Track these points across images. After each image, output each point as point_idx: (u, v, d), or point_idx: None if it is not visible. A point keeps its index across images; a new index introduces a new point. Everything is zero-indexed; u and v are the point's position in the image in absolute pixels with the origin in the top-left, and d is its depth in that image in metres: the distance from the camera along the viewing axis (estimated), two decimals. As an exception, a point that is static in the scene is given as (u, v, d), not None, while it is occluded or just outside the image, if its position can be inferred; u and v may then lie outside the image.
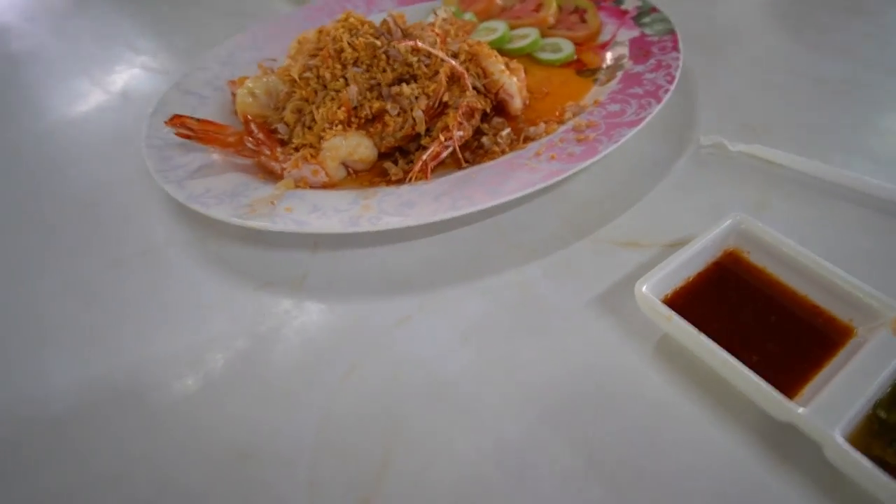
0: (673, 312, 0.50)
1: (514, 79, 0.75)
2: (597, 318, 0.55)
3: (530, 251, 0.65)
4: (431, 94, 0.70)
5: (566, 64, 0.91)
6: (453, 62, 0.70)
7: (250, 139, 0.69)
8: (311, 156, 0.67)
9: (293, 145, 0.70)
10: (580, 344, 0.53)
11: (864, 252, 0.60)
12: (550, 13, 0.97)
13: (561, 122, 0.77)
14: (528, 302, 0.58)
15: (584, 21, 0.97)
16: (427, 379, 0.52)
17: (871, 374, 0.45)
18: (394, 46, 0.72)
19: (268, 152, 0.69)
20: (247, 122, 0.69)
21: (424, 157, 0.67)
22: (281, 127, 0.71)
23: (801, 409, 0.43)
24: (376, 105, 0.69)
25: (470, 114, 0.71)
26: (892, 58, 0.90)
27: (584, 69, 0.90)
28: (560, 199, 0.72)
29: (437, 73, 0.71)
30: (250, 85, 0.72)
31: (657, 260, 0.57)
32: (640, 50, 0.88)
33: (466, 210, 0.61)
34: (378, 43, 0.72)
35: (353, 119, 0.68)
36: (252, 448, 0.49)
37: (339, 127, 0.67)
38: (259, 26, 0.95)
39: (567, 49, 0.91)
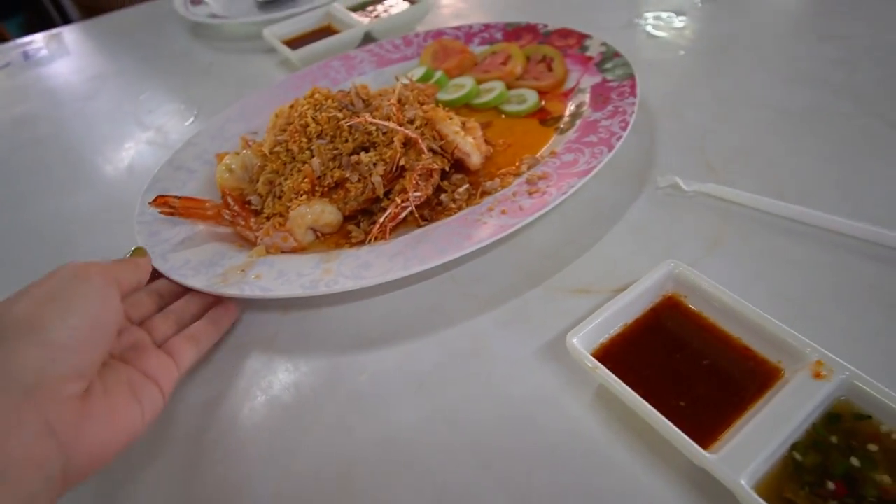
0: (597, 363, 0.53)
1: (469, 138, 0.80)
2: (541, 367, 0.58)
3: (483, 301, 0.69)
4: (388, 159, 0.75)
5: (531, 114, 0.95)
6: (405, 130, 0.75)
7: (227, 211, 0.76)
8: (280, 224, 0.73)
9: (265, 215, 0.76)
10: (523, 392, 0.56)
11: (816, 289, 0.61)
12: (517, 66, 1.02)
13: (517, 174, 0.81)
14: (478, 351, 0.61)
15: (551, 70, 1.02)
16: (379, 428, 0.56)
17: (788, 416, 0.47)
18: (354, 118, 0.78)
19: (242, 222, 0.76)
20: (224, 196, 0.77)
21: (382, 219, 0.73)
22: (254, 198, 0.78)
23: (710, 456, 0.45)
24: (337, 174, 0.75)
25: (428, 174, 0.76)
26: (861, 84, 0.91)
27: (547, 118, 0.94)
28: (516, 248, 0.76)
29: (392, 140, 0.77)
30: (228, 161, 0.80)
31: (606, 306, 0.57)
32: (600, 96, 0.91)
33: (416, 269, 0.66)
34: (340, 116, 0.79)
35: (317, 188, 0.74)
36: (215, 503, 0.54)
37: (305, 196, 0.74)
38: (249, 97, 1.03)
39: (531, 99, 0.96)
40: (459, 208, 0.77)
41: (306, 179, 0.74)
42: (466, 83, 1.00)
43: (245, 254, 0.73)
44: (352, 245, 0.74)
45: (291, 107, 0.83)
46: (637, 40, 1.16)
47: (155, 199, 0.74)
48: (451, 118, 0.80)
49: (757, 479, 0.44)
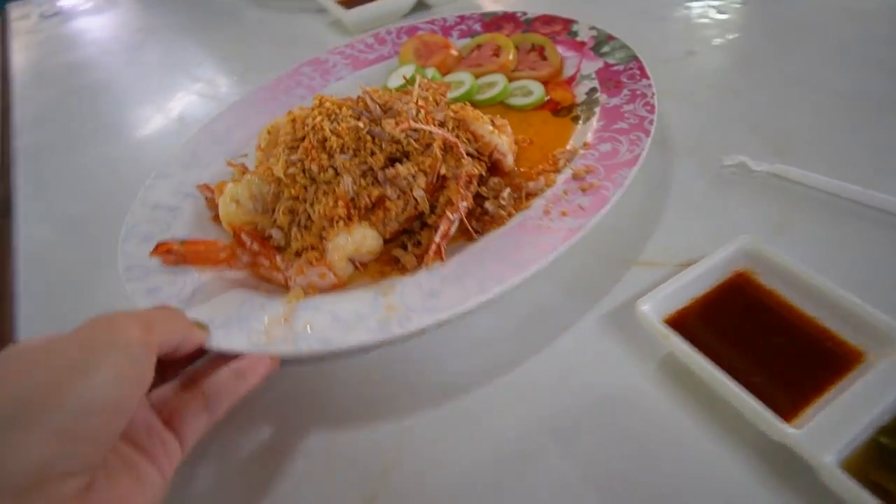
0: (671, 332, 0.50)
1: (504, 137, 0.73)
2: (604, 335, 0.57)
3: (545, 271, 0.63)
4: (428, 169, 0.66)
5: (540, 106, 0.89)
6: (445, 133, 0.67)
7: (244, 251, 0.63)
8: (316, 259, 0.62)
9: (293, 250, 0.65)
10: (585, 359, 0.55)
11: (887, 275, 0.60)
12: (511, 56, 0.96)
13: (556, 171, 0.75)
14: (538, 317, 0.61)
15: (544, 58, 0.97)
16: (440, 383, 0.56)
17: (875, 399, 0.44)
18: (379, 126, 0.68)
19: (266, 263, 0.63)
20: (237, 234, 0.64)
21: (437, 238, 0.64)
22: (275, 232, 0.66)
23: (793, 431, 0.43)
24: (375, 192, 0.64)
25: (469, 181, 0.68)
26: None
27: (558, 108, 0.89)
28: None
29: (429, 146, 0.68)
30: (232, 191, 0.67)
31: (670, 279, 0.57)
32: (610, 81, 0.87)
33: (496, 291, 0.58)
34: (361, 125, 0.68)
35: (352, 211, 0.64)
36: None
37: (341, 223, 0.63)
38: (216, 118, 0.89)
39: (537, 91, 0.90)
40: (510, 215, 0.69)
41: (339, 203, 0.63)
42: (465, 79, 0.92)
43: (278, 300, 0.61)
44: (402, 272, 0.64)
45: (293, 120, 0.72)
46: (694, 21, 1.12)
47: (155, 248, 0.60)
48: (482, 117, 0.72)
49: (841, 458, 0.42)
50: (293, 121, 0.72)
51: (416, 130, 0.68)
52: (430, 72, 0.94)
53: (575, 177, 0.72)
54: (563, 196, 0.69)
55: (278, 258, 0.64)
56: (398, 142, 0.69)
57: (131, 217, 0.73)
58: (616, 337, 0.57)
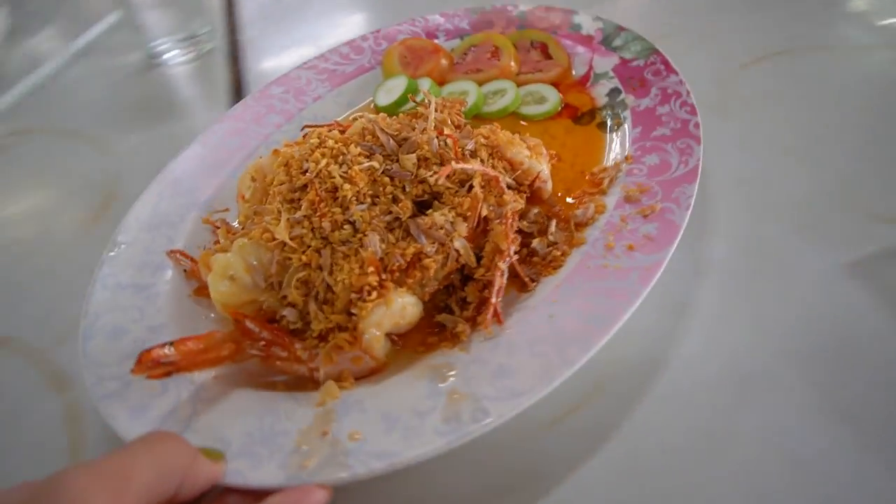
0: None
1: (543, 161, 0.61)
2: (847, 280, 0.57)
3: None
4: (468, 213, 0.54)
5: (556, 114, 0.78)
6: (483, 168, 0.55)
7: (252, 343, 0.50)
8: (348, 341, 0.49)
9: (314, 332, 0.51)
10: (827, 298, 0.56)
11: None
12: (511, 58, 0.84)
13: (602, 192, 0.64)
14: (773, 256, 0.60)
15: (548, 57, 0.85)
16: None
17: None
18: (397, 163, 0.56)
19: (283, 353, 0.50)
20: (240, 322, 0.50)
21: (493, 298, 0.52)
22: (288, 312, 0.52)
23: None
24: (409, 249, 0.52)
25: (513, 220, 0.57)
26: None
27: (579, 115, 0.78)
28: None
29: (463, 183, 0.55)
30: (224, 264, 0.52)
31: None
32: (633, 79, 0.77)
33: (582, 359, 0.47)
34: (376, 164, 0.55)
35: (383, 276, 0.51)
36: None
37: (374, 293, 0.50)
38: (175, 162, 0.73)
39: (552, 97, 0.79)
40: (564, 254, 0.58)
41: (368, 268, 0.50)
42: (468, 88, 0.80)
43: (305, 404, 0.48)
44: (455, 342, 0.52)
45: (286, 164, 0.58)
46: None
47: (138, 362, 0.46)
48: (517, 140, 0.61)
49: None
50: (286, 165, 0.58)
51: (440, 163, 0.56)
52: (426, 83, 0.81)
53: (628, 199, 0.62)
54: (622, 225, 0.59)
55: (297, 346, 0.50)
56: (423, 181, 0.56)
57: (91, 305, 0.57)
58: (855, 285, 0.57)
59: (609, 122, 0.75)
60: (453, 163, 0.53)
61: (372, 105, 0.84)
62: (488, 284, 0.54)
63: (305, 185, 0.55)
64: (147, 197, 0.68)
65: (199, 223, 0.67)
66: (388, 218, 0.54)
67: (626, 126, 0.72)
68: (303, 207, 0.54)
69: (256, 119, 0.79)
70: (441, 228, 0.53)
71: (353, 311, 0.51)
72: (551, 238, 0.60)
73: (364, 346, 0.50)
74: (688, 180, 0.61)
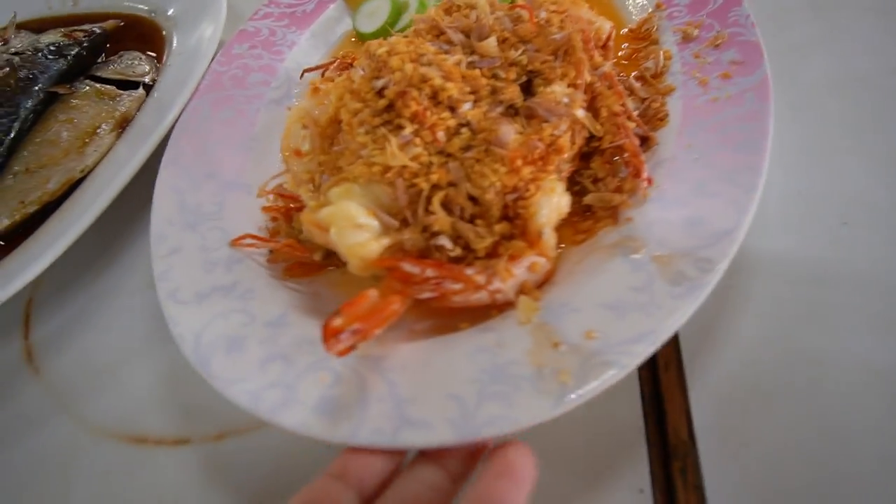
0: None
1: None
2: None
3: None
4: (577, 80, 0.49)
5: None
6: (573, 30, 0.50)
7: (419, 287, 0.42)
8: (521, 248, 0.43)
9: (480, 253, 0.44)
10: None
11: None
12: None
13: (654, 41, 0.62)
14: None
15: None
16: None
17: None
18: (477, 53, 0.49)
19: (457, 285, 0.43)
20: (396, 268, 0.42)
21: (640, 157, 0.48)
22: (443, 240, 0.44)
23: None
24: (546, 132, 0.46)
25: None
26: None
27: None
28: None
29: (557, 52, 0.50)
30: (345, 213, 0.43)
31: None
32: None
33: (760, 184, 0.45)
34: (461, 58, 0.48)
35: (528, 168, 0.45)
36: None
37: (531, 187, 0.44)
38: (172, 147, 0.60)
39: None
40: (662, 105, 0.55)
41: (518, 162, 0.44)
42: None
43: (506, 330, 0.42)
44: (613, 218, 0.48)
45: (353, 91, 0.49)
46: None
47: (326, 334, 0.37)
48: (577, 1, 0.56)
49: None
50: (352, 92, 0.49)
51: (532, 38, 0.50)
52: (413, -3, 0.73)
53: (686, 38, 0.60)
54: (700, 61, 0.57)
55: (469, 271, 0.43)
56: (514, 63, 0.50)
57: (182, 326, 0.45)
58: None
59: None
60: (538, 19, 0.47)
61: (353, 38, 0.75)
62: (618, 151, 0.50)
63: (390, 105, 0.47)
64: (161, 196, 0.55)
65: (243, 204, 0.55)
66: (500, 109, 0.48)
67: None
68: (407, 125, 0.45)
69: (237, 83, 0.67)
70: (559, 103, 0.48)
71: (512, 214, 0.45)
72: (642, 94, 0.56)
73: (543, 246, 0.44)
74: (734, 3, 0.60)
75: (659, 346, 0.38)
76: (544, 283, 0.46)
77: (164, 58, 0.82)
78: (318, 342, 0.41)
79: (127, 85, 0.79)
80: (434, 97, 0.46)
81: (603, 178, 0.51)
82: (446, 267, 0.43)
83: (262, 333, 0.45)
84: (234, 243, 0.51)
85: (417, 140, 0.46)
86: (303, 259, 0.50)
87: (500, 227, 0.44)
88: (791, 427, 0.44)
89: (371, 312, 0.41)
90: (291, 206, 0.54)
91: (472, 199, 0.45)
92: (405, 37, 0.51)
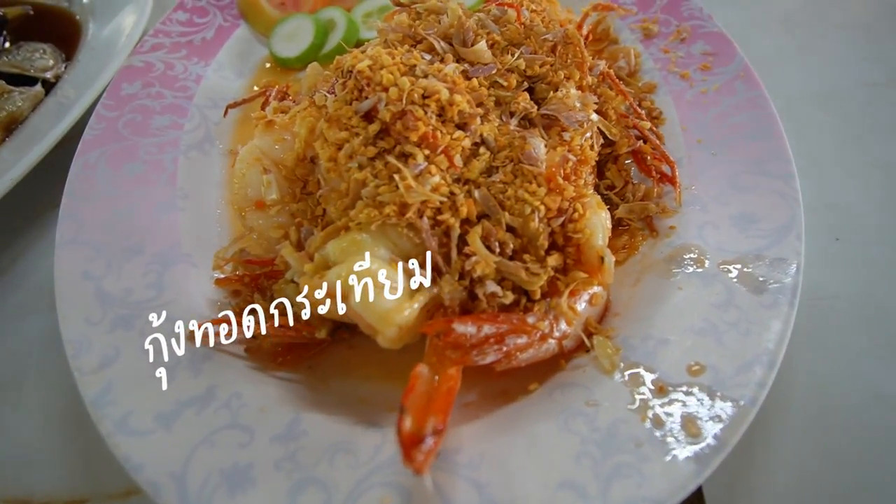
0: None
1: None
2: None
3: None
4: (581, 82, 0.44)
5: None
6: (563, 25, 0.45)
7: (478, 350, 0.33)
8: (589, 277, 0.36)
9: (536, 295, 0.36)
10: None
11: None
12: None
13: (613, 40, 0.59)
14: None
15: None
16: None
17: None
18: (467, 61, 0.42)
19: (522, 339, 0.34)
20: (449, 331, 0.33)
21: (670, 162, 0.43)
22: (492, 286, 0.36)
23: None
24: (575, 141, 0.40)
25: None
26: None
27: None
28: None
29: (555, 48, 0.44)
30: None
31: None
32: None
33: (792, 169, 0.43)
34: (454, 67, 0.41)
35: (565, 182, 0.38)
36: None
37: (578, 206, 0.37)
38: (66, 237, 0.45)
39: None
40: (651, 102, 0.52)
41: (558, 178, 0.37)
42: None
43: (592, 382, 0.34)
44: (655, 231, 0.43)
45: (333, 120, 0.39)
46: None
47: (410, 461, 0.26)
48: (549, -1, 0.51)
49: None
50: (330, 120, 0.38)
51: (522, 39, 0.44)
52: (336, 14, 0.63)
53: (647, 35, 0.58)
54: (672, 56, 0.55)
55: (531, 319, 0.35)
56: (512, 69, 0.43)
57: (151, 469, 0.32)
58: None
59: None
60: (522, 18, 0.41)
61: (268, 64, 0.64)
62: (636, 155, 0.45)
63: (384, 129, 0.37)
64: (69, 289, 0.40)
65: (188, 280, 0.42)
66: (514, 121, 0.41)
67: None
68: (416, 151, 0.36)
69: (138, 129, 0.52)
70: (576, 108, 0.42)
71: (562, 242, 0.37)
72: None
73: (605, 273, 0.37)
74: (681, -9, 0.59)
75: (776, 369, 0.33)
76: (604, 315, 0.39)
77: (76, 52, 0.66)
78: (352, 449, 0.30)
79: (24, 80, 0.62)
80: (441, 114, 0.38)
81: (622, 188, 0.46)
82: (505, 319, 0.35)
83: (274, 453, 0.33)
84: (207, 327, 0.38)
85: (433, 168, 0.37)
86: (299, 340, 0.38)
87: (552, 260, 0.37)
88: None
89: (435, 398, 0.31)
90: (257, 272, 0.42)
91: (510, 230, 0.37)
92: (384, 47, 0.41)
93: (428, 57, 0.42)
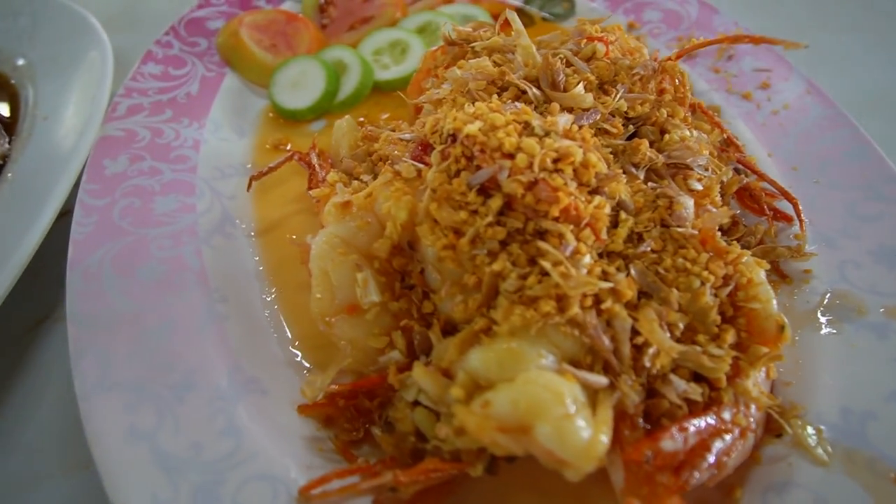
0: None
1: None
2: None
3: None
4: (686, 120, 0.39)
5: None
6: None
7: (684, 463, 0.27)
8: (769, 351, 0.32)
9: (718, 382, 0.31)
10: None
11: None
12: (389, -10, 0.63)
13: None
14: None
15: None
16: None
17: None
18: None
19: (726, 441, 0.29)
20: (654, 449, 0.27)
21: (784, 192, 0.39)
22: (682, 385, 0.30)
23: None
24: (715, 189, 0.35)
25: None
26: None
27: None
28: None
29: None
30: (551, 385, 0.26)
31: None
32: None
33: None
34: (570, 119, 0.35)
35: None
36: None
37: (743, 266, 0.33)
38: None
39: (479, 12, 0.63)
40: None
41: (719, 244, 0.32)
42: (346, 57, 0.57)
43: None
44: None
45: (442, 199, 0.32)
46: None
47: None
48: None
49: None
50: (441, 199, 0.31)
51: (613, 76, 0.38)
52: (346, 55, 0.55)
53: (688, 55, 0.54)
54: (721, 75, 0.52)
55: (726, 414, 0.29)
56: (614, 113, 0.38)
57: None
58: None
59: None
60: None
61: (271, 114, 0.54)
62: (742, 192, 0.41)
63: (509, 203, 0.31)
64: (115, 454, 0.30)
65: (263, 416, 0.33)
66: (641, 174, 0.35)
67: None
68: (563, 230, 0.30)
69: (140, 218, 0.42)
70: (697, 153, 0.37)
71: (730, 313, 0.32)
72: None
73: (784, 342, 0.32)
74: (712, 11, 0.57)
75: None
76: (772, 385, 0.34)
77: (17, 124, 0.53)
78: None
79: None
80: (574, 178, 0.32)
81: (730, 231, 0.41)
82: (704, 422, 0.29)
83: None
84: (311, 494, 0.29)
85: (582, 247, 0.30)
86: (445, 479, 0.30)
87: (729, 337, 0.31)
88: None
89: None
90: (349, 392, 0.34)
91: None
92: (483, 103, 0.34)
93: (519, 105, 0.35)
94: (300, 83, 0.54)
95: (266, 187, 0.48)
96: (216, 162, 0.49)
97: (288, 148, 0.52)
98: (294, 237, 0.43)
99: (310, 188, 0.41)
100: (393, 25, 0.60)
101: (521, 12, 0.65)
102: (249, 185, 0.45)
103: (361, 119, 0.54)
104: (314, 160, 0.43)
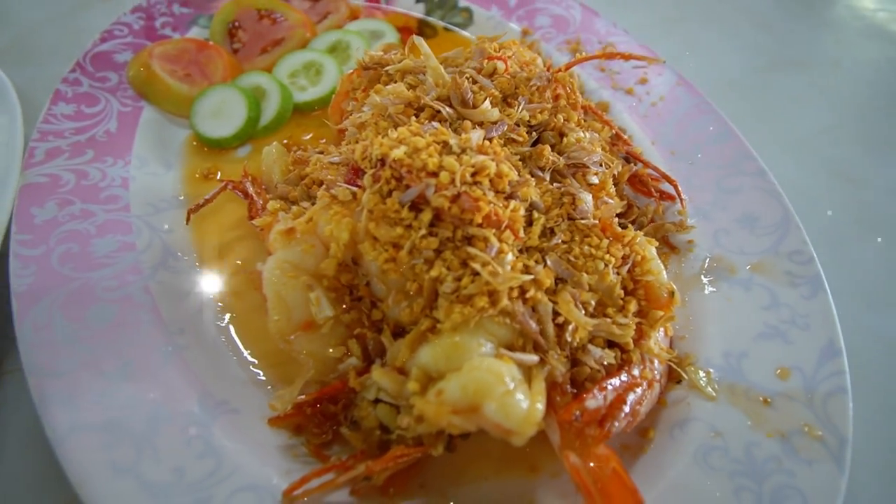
0: None
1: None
2: None
3: None
4: (580, 121, 0.45)
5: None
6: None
7: (605, 416, 0.34)
8: (664, 314, 0.38)
9: (627, 345, 0.37)
10: None
11: None
12: (297, 12, 0.66)
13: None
14: None
15: (316, -3, 0.70)
16: None
17: None
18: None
19: (637, 393, 0.35)
20: (580, 409, 0.32)
21: (666, 176, 0.47)
22: (596, 351, 0.35)
23: None
24: (608, 185, 0.41)
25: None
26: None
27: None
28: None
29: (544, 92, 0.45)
30: (491, 369, 0.31)
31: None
32: None
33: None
34: (479, 133, 0.39)
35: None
36: None
37: (636, 245, 0.39)
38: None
39: (389, 31, 0.67)
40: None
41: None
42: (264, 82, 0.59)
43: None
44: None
45: (377, 219, 0.36)
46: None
47: None
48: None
49: None
50: (378, 218, 0.35)
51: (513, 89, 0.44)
52: (264, 80, 0.57)
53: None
54: (606, 73, 0.59)
55: (636, 371, 0.36)
56: (518, 123, 0.43)
57: None
58: None
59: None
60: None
61: (194, 143, 0.56)
62: (633, 179, 0.48)
63: (437, 215, 0.35)
64: (98, 488, 0.32)
65: (238, 433, 0.36)
66: (546, 176, 0.41)
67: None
68: (487, 234, 0.35)
69: (81, 263, 0.43)
70: (591, 152, 0.43)
71: (630, 287, 0.39)
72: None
73: (675, 304, 0.39)
74: (593, 16, 0.64)
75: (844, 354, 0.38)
76: (671, 342, 0.41)
77: None
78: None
79: None
80: (491, 188, 0.37)
81: (626, 213, 0.48)
82: (619, 380, 0.35)
83: None
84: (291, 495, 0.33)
85: (504, 246, 0.35)
86: (411, 462, 0.35)
87: (632, 307, 0.38)
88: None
89: (610, 484, 0.30)
90: (313, 400, 0.37)
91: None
92: (402, 126, 0.38)
93: (436, 125, 0.40)
94: (221, 112, 0.55)
95: (202, 217, 0.49)
96: (148, 197, 0.50)
97: (218, 177, 0.53)
98: (240, 262, 0.45)
99: (251, 217, 0.44)
100: (304, 46, 0.63)
101: (424, 23, 0.70)
102: (188, 219, 0.47)
103: (286, 141, 0.57)
104: (249, 189, 0.45)
